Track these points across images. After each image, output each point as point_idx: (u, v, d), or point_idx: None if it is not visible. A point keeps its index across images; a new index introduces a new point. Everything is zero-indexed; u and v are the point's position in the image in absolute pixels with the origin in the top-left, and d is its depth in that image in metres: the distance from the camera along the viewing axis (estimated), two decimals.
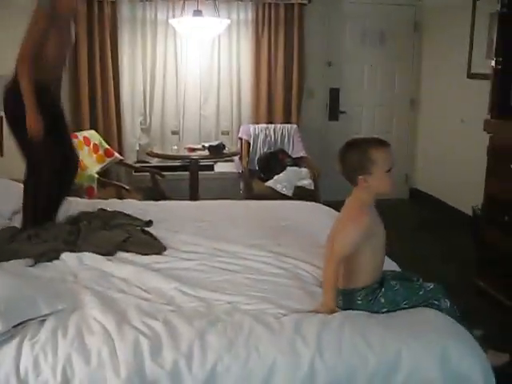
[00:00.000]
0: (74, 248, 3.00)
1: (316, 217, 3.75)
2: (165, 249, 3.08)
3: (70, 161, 3.61)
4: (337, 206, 4.11)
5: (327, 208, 4.02)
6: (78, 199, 4.06)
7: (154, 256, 2.98)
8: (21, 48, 3.28)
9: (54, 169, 3.41)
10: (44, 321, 2.15)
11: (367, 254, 2.36)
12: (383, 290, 2.37)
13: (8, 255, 2.80)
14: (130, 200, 4.34)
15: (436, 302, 2.36)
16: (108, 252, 2.98)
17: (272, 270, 2.79)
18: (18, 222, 3.46)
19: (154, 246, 3.09)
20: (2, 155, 4.59)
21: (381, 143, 2.40)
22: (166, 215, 3.78)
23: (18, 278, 2.39)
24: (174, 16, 6.15)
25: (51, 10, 3.28)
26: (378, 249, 2.40)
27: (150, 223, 3.49)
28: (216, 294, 2.48)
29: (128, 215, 3.59)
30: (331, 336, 2.08)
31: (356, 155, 2.36)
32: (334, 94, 6.87)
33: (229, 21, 5.88)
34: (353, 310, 2.33)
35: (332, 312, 2.24)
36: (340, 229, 2.42)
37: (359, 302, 2.36)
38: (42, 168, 3.41)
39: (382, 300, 2.35)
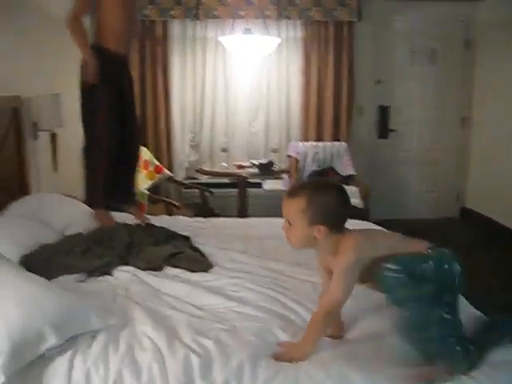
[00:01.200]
0: (125, 263, 3.04)
1: None
2: (212, 266, 3.10)
3: (131, 141, 3.67)
4: (387, 225, 4.07)
5: (378, 227, 3.97)
6: (129, 215, 4.11)
7: (203, 273, 2.99)
8: (71, 9, 3.41)
9: (111, 148, 3.47)
10: (96, 335, 2.17)
11: None
12: None
13: (62, 269, 2.85)
14: (179, 217, 4.38)
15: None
16: (157, 267, 3.01)
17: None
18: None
19: (202, 263, 3.10)
20: (55, 171, 4.67)
21: None
22: (214, 232, 3.80)
23: (71, 292, 2.42)
24: (223, 34, 6.22)
25: None
26: None
27: (187, 239, 3.51)
28: (265, 313, 2.46)
29: (172, 231, 3.61)
30: None
31: None
32: (384, 112, 6.83)
33: (279, 39, 5.92)
34: None
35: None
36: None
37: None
38: (102, 146, 3.47)
39: None
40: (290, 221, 2.16)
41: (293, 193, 2.16)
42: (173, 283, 2.83)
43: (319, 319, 2.13)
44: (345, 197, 2.16)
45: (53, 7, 4.88)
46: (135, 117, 3.92)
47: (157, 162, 5.74)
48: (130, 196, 3.71)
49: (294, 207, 2.13)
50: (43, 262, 2.80)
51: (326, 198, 2.12)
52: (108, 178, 3.54)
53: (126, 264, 3.04)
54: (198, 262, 3.11)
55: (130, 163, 3.86)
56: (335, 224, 2.13)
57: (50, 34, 4.77)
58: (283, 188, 6.32)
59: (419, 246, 2.16)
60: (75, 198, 4.30)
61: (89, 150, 3.60)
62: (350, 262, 2.09)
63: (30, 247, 3.06)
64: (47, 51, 4.68)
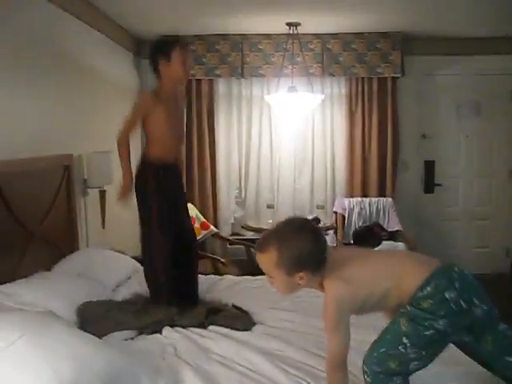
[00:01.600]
0: (172, 321, 3.04)
1: None
2: (254, 324, 3.09)
3: (186, 244, 3.71)
4: None
5: None
6: None
7: (249, 332, 2.98)
8: (121, 127, 3.50)
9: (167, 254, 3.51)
10: None
11: None
12: None
13: (113, 326, 2.85)
14: (228, 276, 4.36)
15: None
16: (200, 324, 3.02)
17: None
18: (121, 294, 3.54)
19: (244, 321, 3.08)
20: (103, 227, 4.74)
21: None
22: (261, 290, 3.77)
23: (122, 352, 2.42)
24: (269, 92, 6.31)
25: (155, 94, 3.49)
26: None
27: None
28: (311, 375, 2.42)
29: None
30: None
31: None
32: (430, 166, 6.77)
33: (323, 96, 5.97)
34: None
35: None
36: None
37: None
38: (156, 252, 3.51)
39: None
40: (269, 274, 2.10)
41: (262, 248, 2.09)
42: (219, 341, 2.82)
43: (329, 375, 2.09)
44: (316, 235, 2.07)
45: (105, 70, 5.05)
46: (189, 218, 3.96)
47: (203, 219, 5.78)
48: (194, 298, 3.71)
49: (267, 262, 2.06)
50: (95, 318, 2.80)
51: (296, 244, 2.03)
52: (169, 280, 3.54)
53: (173, 323, 3.03)
54: (241, 319, 3.10)
55: (189, 265, 3.86)
56: (316, 266, 2.05)
57: (100, 95, 4.93)
58: (329, 244, 6.27)
59: (418, 271, 2.08)
60: (123, 253, 4.35)
61: (148, 255, 3.63)
62: (333, 317, 2.03)
63: (80, 303, 3.08)
64: (97, 110, 4.82)
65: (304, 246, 2.02)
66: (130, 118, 3.50)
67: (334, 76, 6.35)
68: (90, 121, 4.69)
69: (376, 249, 5.60)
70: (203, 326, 3.02)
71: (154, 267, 3.50)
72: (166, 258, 3.49)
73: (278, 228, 2.13)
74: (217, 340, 2.84)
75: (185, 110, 3.86)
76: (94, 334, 2.43)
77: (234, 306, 3.32)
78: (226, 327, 3.00)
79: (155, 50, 3.55)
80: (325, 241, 2.10)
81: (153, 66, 3.55)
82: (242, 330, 3.00)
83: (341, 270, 2.10)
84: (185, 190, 4.00)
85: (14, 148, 3.35)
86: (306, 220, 2.21)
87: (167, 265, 3.49)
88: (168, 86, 3.53)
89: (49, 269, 3.55)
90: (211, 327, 3.04)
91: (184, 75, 3.53)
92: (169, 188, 3.55)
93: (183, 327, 3.01)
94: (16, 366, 2.02)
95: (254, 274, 4.18)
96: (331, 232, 6.20)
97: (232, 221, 6.57)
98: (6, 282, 3.02)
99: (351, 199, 6.30)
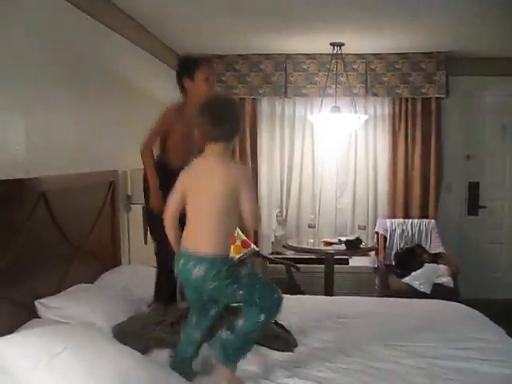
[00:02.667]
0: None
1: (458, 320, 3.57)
2: (297, 345, 3.05)
3: None
4: (478, 304, 3.92)
5: (468, 309, 3.81)
6: None
7: (290, 353, 2.95)
8: (146, 137, 3.61)
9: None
10: None
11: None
12: None
13: (153, 343, 2.86)
14: None
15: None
16: None
17: (409, 370, 2.69)
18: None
19: (287, 342, 3.05)
20: (145, 243, 4.77)
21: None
22: (301, 310, 3.75)
23: (163, 368, 2.43)
24: (312, 111, 6.32)
25: (179, 110, 3.60)
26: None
27: None
28: None
29: None
30: None
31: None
32: (474, 188, 6.67)
33: (366, 116, 5.95)
34: None
35: None
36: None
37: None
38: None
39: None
40: None
41: None
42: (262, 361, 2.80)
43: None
44: None
45: (149, 87, 5.13)
46: None
47: (244, 237, 5.78)
48: None
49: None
50: (135, 334, 2.81)
51: None
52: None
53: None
54: (283, 340, 3.06)
55: None
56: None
57: (143, 111, 4.99)
58: (370, 265, 6.22)
59: None
60: None
61: (159, 257, 3.70)
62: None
63: (121, 318, 3.10)
64: (141, 127, 4.87)
65: None
66: (153, 129, 3.62)
67: (377, 96, 6.34)
68: (134, 137, 4.73)
69: (418, 271, 5.54)
70: None
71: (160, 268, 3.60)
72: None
73: None
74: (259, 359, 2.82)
75: None
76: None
77: (276, 323, 3.29)
78: (264, 346, 2.98)
79: (180, 69, 3.69)
80: None
81: (179, 84, 3.68)
82: (281, 351, 2.98)
83: None
84: None
85: (61, 164, 3.42)
86: None
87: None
88: (192, 102, 3.58)
89: (91, 282, 3.60)
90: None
91: (207, 92, 3.61)
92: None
93: None
94: (60, 379, 2.04)
95: (293, 293, 4.18)
96: (372, 253, 6.14)
97: (273, 239, 6.56)
98: (51, 295, 3.07)
99: (393, 220, 6.24)
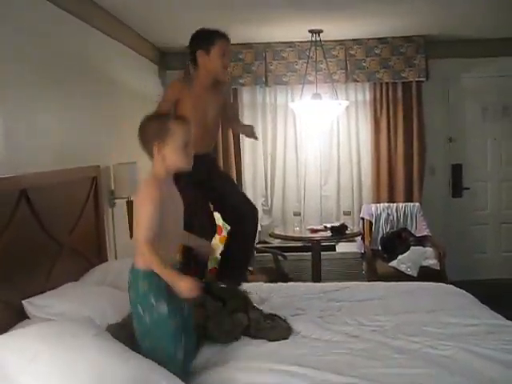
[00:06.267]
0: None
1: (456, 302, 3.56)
2: (292, 332, 3.07)
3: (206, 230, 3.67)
4: (464, 286, 3.94)
5: (459, 290, 3.82)
6: None
7: (283, 342, 2.96)
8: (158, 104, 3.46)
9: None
10: None
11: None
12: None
13: None
14: (255, 284, 4.35)
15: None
16: (236, 338, 3.01)
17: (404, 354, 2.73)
18: None
19: (282, 329, 3.06)
20: (131, 238, 4.75)
21: (182, 119, 2.45)
22: (289, 298, 3.77)
23: (147, 361, 2.42)
24: (293, 99, 6.31)
25: (188, 82, 3.48)
26: (166, 227, 2.36)
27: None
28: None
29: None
30: None
31: (155, 124, 2.41)
32: (457, 170, 6.70)
33: (347, 102, 5.96)
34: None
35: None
36: (136, 212, 2.43)
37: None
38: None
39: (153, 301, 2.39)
40: None
41: None
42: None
43: (154, 260, 2.32)
44: None
45: (130, 82, 5.10)
46: (238, 198, 4.07)
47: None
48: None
49: None
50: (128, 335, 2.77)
51: None
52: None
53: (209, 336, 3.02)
54: (277, 328, 3.06)
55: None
56: None
57: (126, 107, 4.97)
58: (357, 251, 6.24)
59: None
60: None
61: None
62: (153, 201, 2.35)
63: (110, 313, 3.07)
64: (123, 122, 4.85)
65: None
66: (159, 106, 3.42)
67: (358, 82, 6.35)
68: (116, 132, 4.72)
69: (404, 255, 5.56)
70: (236, 339, 3.01)
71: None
72: None
73: None
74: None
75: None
76: None
77: (268, 316, 3.26)
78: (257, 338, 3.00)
79: (194, 41, 3.47)
80: None
81: (191, 56, 3.47)
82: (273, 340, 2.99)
83: None
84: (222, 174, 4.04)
85: (42, 161, 3.39)
86: None
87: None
88: (204, 77, 3.45)
89: (77, 279, 3.57)
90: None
91: (222, 69, 3.43)
92: (201, 177, 3.50)
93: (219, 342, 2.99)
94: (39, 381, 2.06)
95: (282, 282, 4.19)
96: (358, 238, 6.16)
97: (259, 229, 6.55)
98: (37, 294, 3.05)
99: (378, 205, 6.26)
